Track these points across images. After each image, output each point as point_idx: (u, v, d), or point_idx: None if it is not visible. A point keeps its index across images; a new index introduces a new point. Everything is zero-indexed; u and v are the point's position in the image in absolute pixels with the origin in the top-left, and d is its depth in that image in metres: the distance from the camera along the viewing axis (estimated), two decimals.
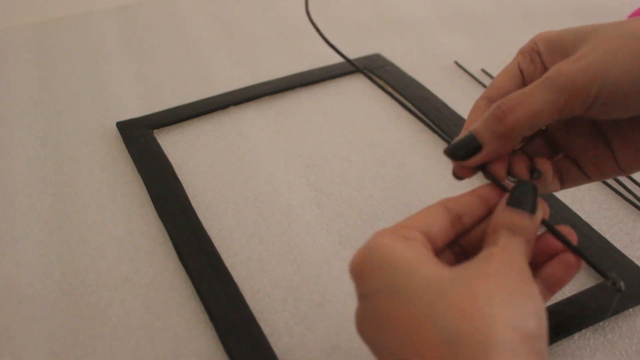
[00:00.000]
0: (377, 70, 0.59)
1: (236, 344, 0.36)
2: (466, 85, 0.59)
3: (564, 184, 0.35)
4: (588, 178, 0.34)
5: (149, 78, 0.61)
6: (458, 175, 0.34)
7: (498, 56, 0.63)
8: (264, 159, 0.50)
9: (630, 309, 0.38)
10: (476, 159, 0.32)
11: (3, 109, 0.57)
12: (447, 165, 0.49)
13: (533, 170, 0.33)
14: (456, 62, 0.62)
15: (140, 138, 0.51)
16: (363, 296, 0.27)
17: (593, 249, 0.41)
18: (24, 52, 0.65)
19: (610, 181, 0.47)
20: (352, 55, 0.63)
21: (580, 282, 0.40)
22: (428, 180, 0.48)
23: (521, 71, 0.34)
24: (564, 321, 0.37)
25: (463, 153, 0.32)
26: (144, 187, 0.47)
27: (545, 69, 0.33)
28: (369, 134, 0.53)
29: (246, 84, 0.59)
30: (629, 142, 0.32)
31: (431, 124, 0.37)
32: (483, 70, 0.61)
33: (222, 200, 0.46)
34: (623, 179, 0.47)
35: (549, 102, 0.30)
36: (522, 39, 0.69)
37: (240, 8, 0.73)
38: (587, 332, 0.37)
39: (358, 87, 0.58)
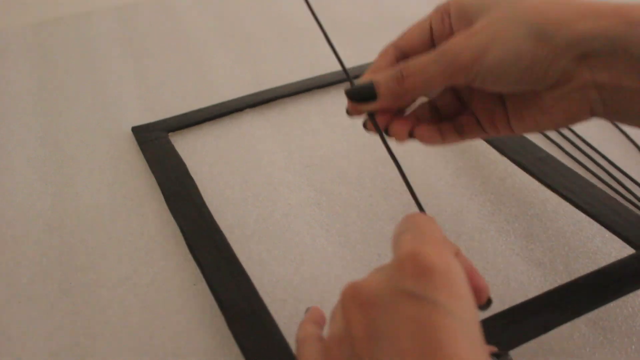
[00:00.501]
0: None
1: (247, 334, 0.36)
2: None
3: (463, 135, 0.38)
4: (485, 132, 0.38)
5: (149, 78, 0.61)
6: (350, 113, 0.38)
7: None
8: (263, 158, 0.50)
9: (630, 308, 0.38)
10: (370, 107, 0.37)
11: (3, 109, 0.57)
12: (447, 165, 0.49)
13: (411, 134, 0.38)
14: None
15: (155, 141, 0.52)
16: (414, 295, 0.24)
17: (621, 222, 0.41)
18: (24, 52, 0.65)
19: (610, 181, 0.47)
20: (354, 56, 0.63)
21: (613, 254, 0.40)
22: (427, 180, 0.48)
23: (431, 28, 0.38)
24: (597, 291, 0.37)
25: (360, 97, 0.37)
26: (146, 186, 0.47)
27: (452, 31, 0.37)
28: (369, 134, 0.53)
29: (247, 83, 0.59)
30: (518, 109, 0.36)
31: (344, 67, 0.40)
32: None
33: (221, 200, 0.46)
34: (623, 179, 0.47)
35: (438, 73, 0.34)
36: None
37: (240, 8, 0.73)
38: (587, 331, 0.37)
39: None
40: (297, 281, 0.40)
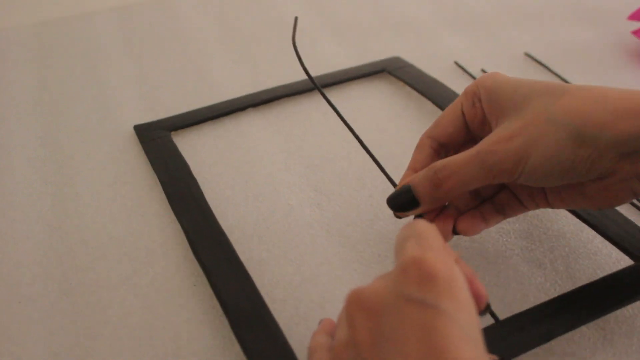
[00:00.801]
0: (397, 72, 0.59)
1: (250, 335, 0.36)
2: (467, 85, 0.59)
3: (506, 214, 0.39)
4: (525, 208, 0.39)
5: (149, 78, 0.61)
6: (398, 216, 0.39)
7: (498, 56, 0.63)
8: (264, 159, 0.50)
9: (630, 309, 0.38)
10: (414, 212, 0.37)
11: (3, 109, 0.57)
12: None
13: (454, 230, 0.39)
14: (456, 63, 0.62)
15: (157, 140, 0.52)
16: (417, 300, 0.25)
17: (621, 233, 0.41)
18: (24, 52, 0.65)
19: None
20: (355, 56, 0.63)
21: (613, 255, 0.40)
22: None
23: (463, 113, 0.38)
24: (597, 302, 0.37)
25: (404, 207, 0.37)
26: (145, 186, 0.48)
27: (484, 114, 0.37)
28: (369, 134, 0.53)
29: (247, 84, 0.59)
30: (558, 192, 0.37)
31: (380, 164, 0.42)
32: (483, 71, 0.61)
33: (222, 200, 0.46)
34: None
35: (479, 175, 0.34)
36: (523, 40, 0.70)
37: (240, 9, 0.73)
38: (587, 332, 0.37)
39: (362, 91, 0.59)
40: (297, 281, 0.40)
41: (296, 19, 0.48)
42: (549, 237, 0.43)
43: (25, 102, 0.58)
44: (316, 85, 0.43)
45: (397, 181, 0.40)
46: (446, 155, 0.40)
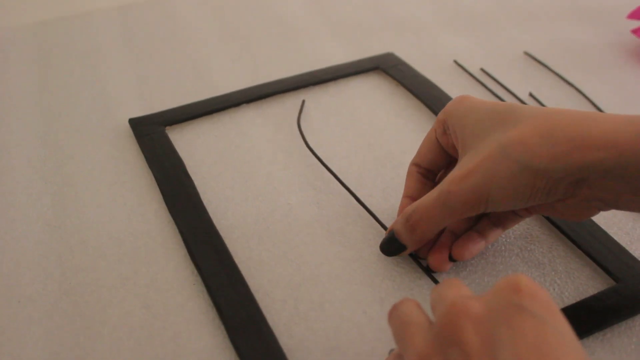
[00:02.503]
0: (390, 70, 0.59)
1: (245, 342, 0.36)
2: (466, 84, 0.59)
3: (504, 226, 0.41)
4: (521, 217, 0.40)
5: (149, 77, 0.61)
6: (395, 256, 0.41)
7: (498, 56, 0.63)
8: (263, 158, 0.50)
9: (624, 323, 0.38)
10: (406, 253, 0.40)
11: (3, 109, 0.57)
12: None
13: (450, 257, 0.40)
14: (456, 62, 0.62)
15: (152, 135, 0.51)
16: (528, 310, 0.25)
17: (604, 252, 0.41)
18: (24, 52, 0.65)
19: None
20: (356, 54, 0.63)
21: (592, 286, 0.40)
22: None
23: (438, 140, 0.40)
24: (578, 323, 0.36)
25: (393, 252, 0.40)
26: (145, 185, 0.47)
27: (455, 141, 0.39)
28: (369, 134, 0.53)
29: (246, 82, 0.59)
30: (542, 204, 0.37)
31: (369, 209, 0.44)
32: (482, 70, 0.61)
33: (221, 199, 0.46)
34: None
35: (445, 215, 0.36)
36: (522, 39, 0.69)
37: (239, 8, 0.73)
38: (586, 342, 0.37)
39: (358, 88, 0.58)
40: (298, 281, 0.40)
41: (303, 101, 0.51)
42: (547, 237, 0.43)
43: (25, 102, 0.58)
44: (325, 165, 0.46)
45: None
46: (435, 178, 0.42)
